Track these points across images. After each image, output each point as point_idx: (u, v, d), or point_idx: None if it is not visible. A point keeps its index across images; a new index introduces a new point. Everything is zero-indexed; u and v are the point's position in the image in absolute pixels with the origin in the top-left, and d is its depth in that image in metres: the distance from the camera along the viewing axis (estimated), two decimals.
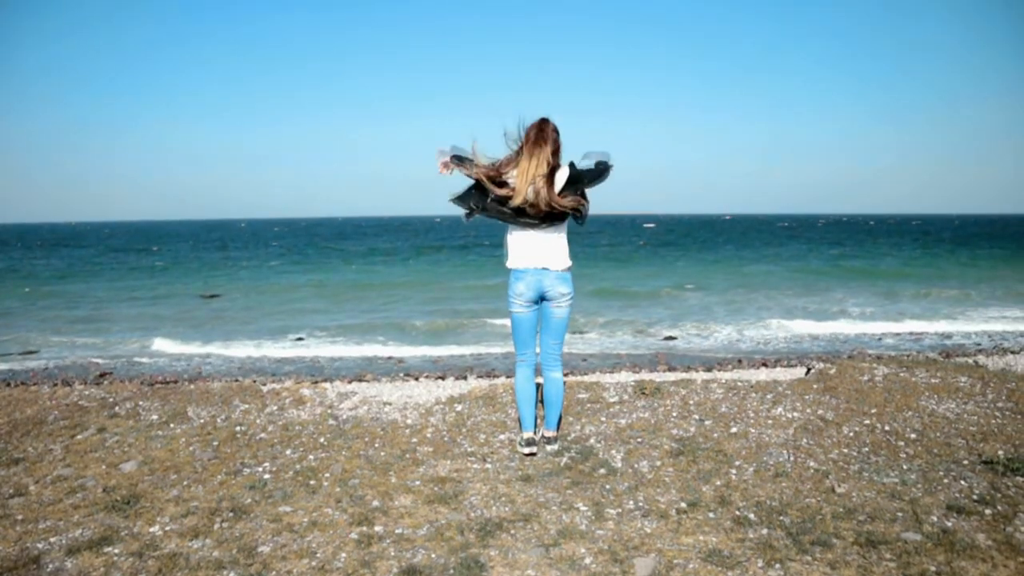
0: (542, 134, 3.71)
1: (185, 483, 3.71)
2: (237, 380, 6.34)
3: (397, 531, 3.10)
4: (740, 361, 10.26)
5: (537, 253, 3.82)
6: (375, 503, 3.40)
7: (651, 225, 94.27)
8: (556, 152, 3.73)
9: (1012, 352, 10.78)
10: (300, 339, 13.23)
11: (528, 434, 4.01)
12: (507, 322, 4.10)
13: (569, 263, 3.87)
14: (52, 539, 3.08)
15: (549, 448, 4.06)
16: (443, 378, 8.94)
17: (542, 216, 3.73)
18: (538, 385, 4.26)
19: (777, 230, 74.28)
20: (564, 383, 4.07)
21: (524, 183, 3.66)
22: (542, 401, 4.29)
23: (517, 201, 3.67)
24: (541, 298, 3.88)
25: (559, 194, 3.69)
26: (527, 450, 3.97)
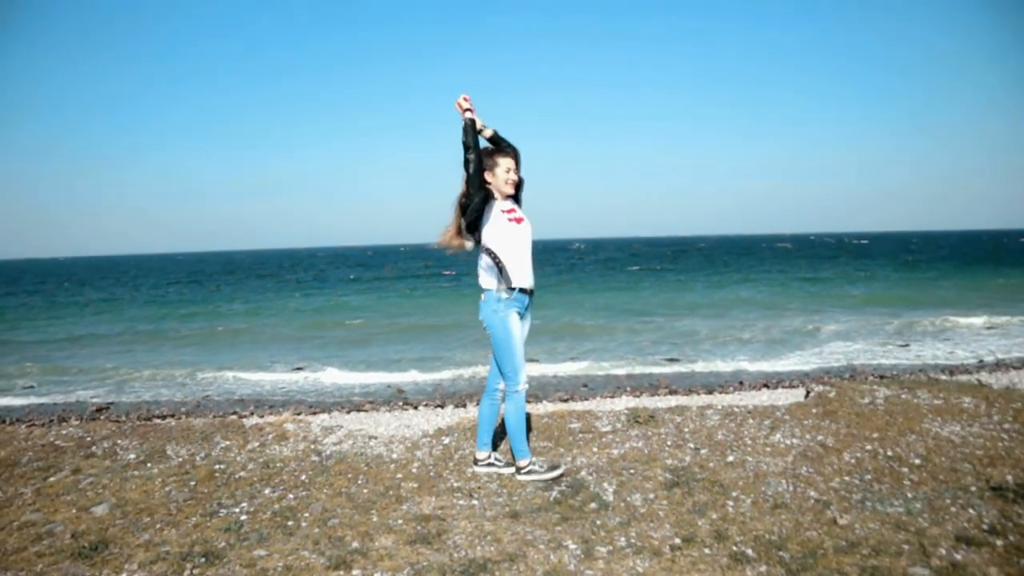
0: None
1: (158, 526, 3.54)
2: (220, 416, 6.19)
3: (375, 575, 2.93)
4: (741, 383, 10.11)
5: None
6: (354, 544, 3.23)
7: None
8: (469, 181, 3.80)
9: (1014, 368, 10.63)
10: (299, 368, 13.05)
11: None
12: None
13: (484, 287, 3.88)
14: None
15: (519, 479, 3.95)
16: (442, 406, 8.77)
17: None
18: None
19: (777, 250, 74.24)
20: (514, 411, 3.91)
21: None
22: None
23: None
24: None
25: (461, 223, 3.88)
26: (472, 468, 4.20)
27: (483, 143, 3.91)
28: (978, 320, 16.63)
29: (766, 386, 9.50)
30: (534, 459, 4.03)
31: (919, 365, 11.59)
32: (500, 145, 3.91)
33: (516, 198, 3.99)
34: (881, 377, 9.42)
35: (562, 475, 3.93)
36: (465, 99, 3.82)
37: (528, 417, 4.12)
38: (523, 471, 3.96)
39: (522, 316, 3.92)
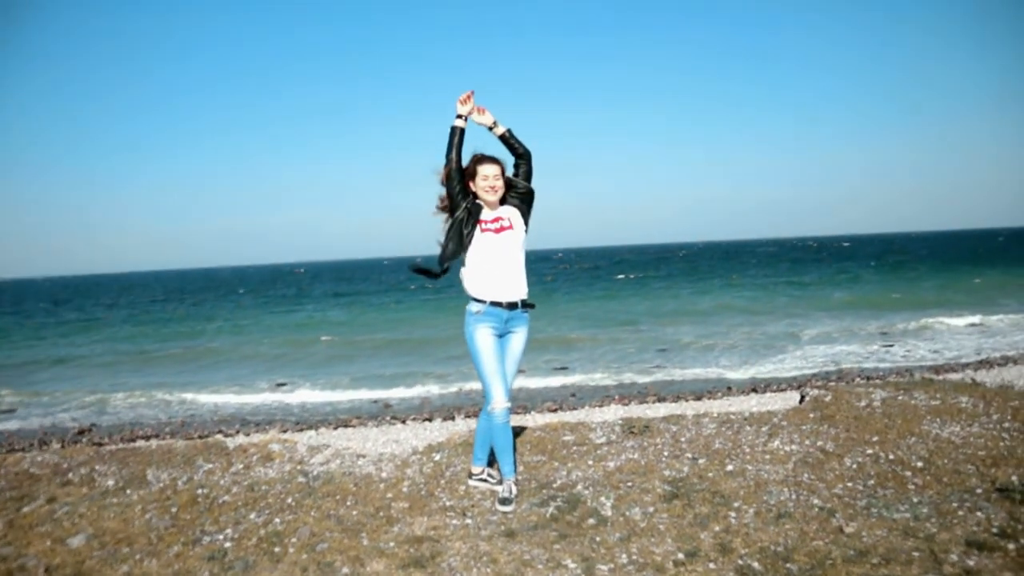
0: None
1: (137, 557, 3.37)
2: (202, 437, 6.00)
3: None
4: (729, 388, 10.06)
5: None
6: (344, 570, 3.09)
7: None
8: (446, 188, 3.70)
9: (999, 365, 10.66)
10: (282, 385, 12.84)
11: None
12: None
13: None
14: None
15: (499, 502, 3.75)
16: (430, 419, 8.62)
17: None
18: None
19: (760, 255, 74.65)
20: (495, 431, 3.75)
21: None
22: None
23: None
24: None
25: None
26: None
27: (504, 149, 3.80)
28: (960, 319, 16.74)
29: (755, 391, 9.45)
30: (512, 480, 3.78)
31: (906, 366, 11.61)
32: (512, 145, 3.74)
33: (522, 210, 3.77)
34: (868, 379, 9.40)
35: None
36: (461, 102, 3.63)
37: (515, 432, 3.97)
38: (505, 495, 3.73)
39: (501, 331, 3.71)
